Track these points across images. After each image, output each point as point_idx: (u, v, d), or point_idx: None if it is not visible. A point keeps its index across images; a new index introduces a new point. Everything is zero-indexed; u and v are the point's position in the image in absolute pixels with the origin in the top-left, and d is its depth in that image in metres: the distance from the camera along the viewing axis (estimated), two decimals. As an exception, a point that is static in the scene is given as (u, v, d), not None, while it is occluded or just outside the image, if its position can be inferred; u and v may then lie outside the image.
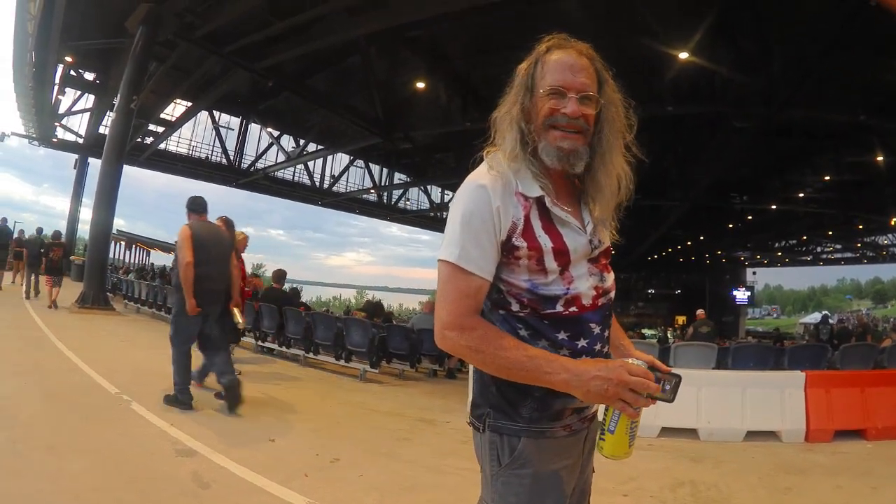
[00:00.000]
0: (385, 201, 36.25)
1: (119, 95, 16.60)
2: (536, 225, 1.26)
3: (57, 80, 23.66)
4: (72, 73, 23.83)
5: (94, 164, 26.84)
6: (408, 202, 36.88)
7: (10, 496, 2.87)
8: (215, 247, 5.36)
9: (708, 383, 5.78)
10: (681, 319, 38.24)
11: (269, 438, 4.25)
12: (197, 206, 5.58)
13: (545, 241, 1.25)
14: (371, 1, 12.99)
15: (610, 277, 1.39)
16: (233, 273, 5.65)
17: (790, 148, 20.09)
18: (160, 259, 34.82)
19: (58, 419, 4.35)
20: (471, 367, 1.02)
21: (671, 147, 22.13)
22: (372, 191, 34.88)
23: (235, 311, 5.79)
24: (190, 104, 24.01)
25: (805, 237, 35.44)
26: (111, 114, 21.18)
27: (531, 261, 1.25)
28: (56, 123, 26.97)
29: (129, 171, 16.62)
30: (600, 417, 1.29)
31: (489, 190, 1.24)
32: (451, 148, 24.08)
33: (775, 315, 73.38)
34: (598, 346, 1.31)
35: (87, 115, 27.36)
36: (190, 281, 5.06)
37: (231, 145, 30.26)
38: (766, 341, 16.65)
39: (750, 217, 30.59)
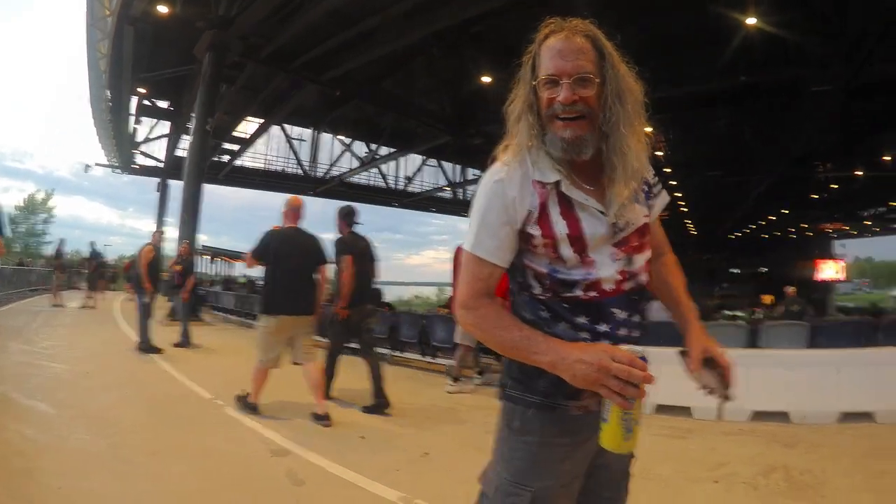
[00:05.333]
0: (460, 197, 36.61)
1: (194, 119, 17.53)
2: (554, 211, 1.29)
3: (133, 111, 25.02)
4: (146, 102, 25.03)
5: (175, 186, 28.47)
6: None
7: (117, 497, 3.05)
8: None
9: (800, 364, 5.51)
10: (767, 299, 36.29)
11: (360, 436, 4.34)
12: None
13: (560, 229, 1.27)
14: (425, 3, 13.06)
15: (641, 258, 1.35)
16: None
17: (874, 109, 18.64)
18: (243, 270, 36.04)
19: (158, 425, 4.59)
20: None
21: (748, 119, 21.04)
22: (447, 188, 35.28)
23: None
24: (262, 121, 24.92)
25: (894, 203, 32.88)
26: (187, 137, 22.29)
27: (547, 248, 1.29)
28: (136, 151, 28.70)
29: (208, 188, 17.56)
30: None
31: (504, 182, 1.30)
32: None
33: (866, 289, 68.29)
34: (622, 332, 1.29)
35: (164, 141, 28.96)
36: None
37: (305, 156, 31.30)
38: (856, 317, 15.38)
39: (835, 186, 28.65)
